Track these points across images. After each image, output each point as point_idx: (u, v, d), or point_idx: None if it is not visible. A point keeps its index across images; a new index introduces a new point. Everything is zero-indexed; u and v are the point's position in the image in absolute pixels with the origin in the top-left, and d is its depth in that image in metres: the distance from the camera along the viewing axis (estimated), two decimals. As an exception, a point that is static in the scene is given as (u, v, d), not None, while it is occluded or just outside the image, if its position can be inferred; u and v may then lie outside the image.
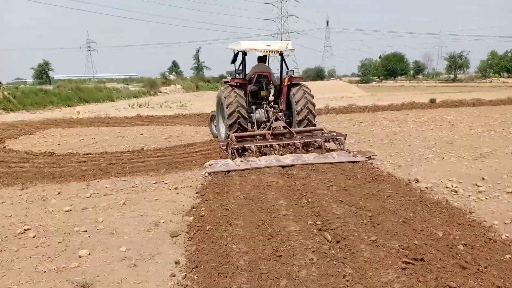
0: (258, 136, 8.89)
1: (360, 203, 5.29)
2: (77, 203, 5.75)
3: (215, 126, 11.30)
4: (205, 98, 33.80)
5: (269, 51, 10.02)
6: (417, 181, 6.51)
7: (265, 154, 8.28)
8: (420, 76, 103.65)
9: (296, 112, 9.54)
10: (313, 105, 9.69)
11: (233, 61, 10.29)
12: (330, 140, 8.90)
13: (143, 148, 10.21)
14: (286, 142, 8.66)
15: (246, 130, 9.29)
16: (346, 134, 8.99)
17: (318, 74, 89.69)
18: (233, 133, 8.78)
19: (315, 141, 8.90)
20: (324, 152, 8.39)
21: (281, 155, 8.07)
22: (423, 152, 8.95)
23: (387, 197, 5.57)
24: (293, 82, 9.86)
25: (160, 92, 47.32)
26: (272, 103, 10.46)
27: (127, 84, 51.18)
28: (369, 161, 7.93)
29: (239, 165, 7.47)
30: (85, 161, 8.67)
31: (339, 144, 8.74)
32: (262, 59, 10.67)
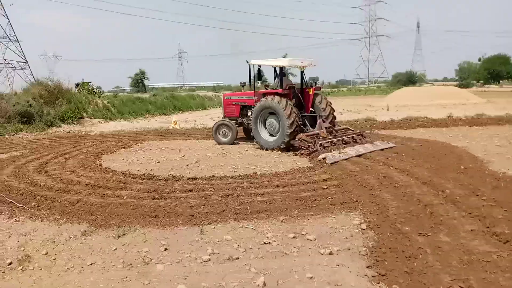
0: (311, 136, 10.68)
1: None
2: (194, 276, 3.87)
3: (224, 134, 12.69)
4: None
5: (302, 66, 11.63)
6: None
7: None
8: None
9: (324, 116, 11.61)
10: (334, 110, 12.17)
11: (259, 75, 12.24)
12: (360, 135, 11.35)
13: (255, 172, 8.30)
14: (341, 138, 10.78)
15: (301, 132, 10.96)
16: (370, 131, 13.19)
17: (409, 79, 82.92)
18: (293, 134, 10.66)
19: (352, 136, 11.12)
20: (373, 142, 10.63)
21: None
22: None
23: None
24: (316, 92, 11.96)
25: (250, 99, 46.27)
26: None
27: (217, 92, 51.00)
28: None
29: (341, 156, 9.11)
30: (191, 190, 6.94)
31: (367, 137, 11.26)
32: (284, 73, 12.13)
